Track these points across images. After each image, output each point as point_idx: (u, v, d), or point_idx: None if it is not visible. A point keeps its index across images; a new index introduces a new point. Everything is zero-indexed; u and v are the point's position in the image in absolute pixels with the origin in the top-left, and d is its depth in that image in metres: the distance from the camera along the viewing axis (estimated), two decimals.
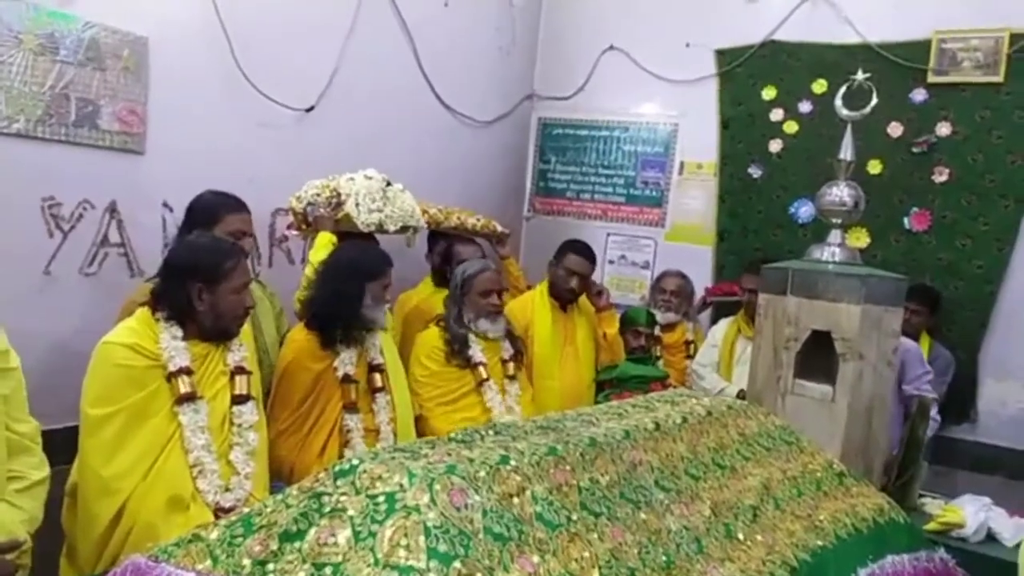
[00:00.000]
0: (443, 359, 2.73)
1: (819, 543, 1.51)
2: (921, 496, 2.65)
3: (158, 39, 2.74)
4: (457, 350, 2.73)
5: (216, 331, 1.98)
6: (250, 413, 1.99)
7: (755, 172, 4.11)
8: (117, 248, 2.62)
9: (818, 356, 2.48)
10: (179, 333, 1.93)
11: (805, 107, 3.99)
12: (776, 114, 4.07)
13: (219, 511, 1.82)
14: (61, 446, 1.91)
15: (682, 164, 4.33)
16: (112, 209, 2.64)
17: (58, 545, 1.91)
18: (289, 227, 3.08)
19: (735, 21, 4.14)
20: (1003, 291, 3.52)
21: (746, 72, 4.13)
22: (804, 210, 3.97)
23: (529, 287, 3.59)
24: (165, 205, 2.75)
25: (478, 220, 3.48)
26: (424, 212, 3.09)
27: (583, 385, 3.21)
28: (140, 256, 2.70)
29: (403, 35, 3.75)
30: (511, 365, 2.89)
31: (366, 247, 2.59)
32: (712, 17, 4.19)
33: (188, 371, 1.90)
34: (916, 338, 3.28)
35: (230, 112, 3.01)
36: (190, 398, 1.88)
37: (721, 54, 4.19)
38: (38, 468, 1.69)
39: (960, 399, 3.52)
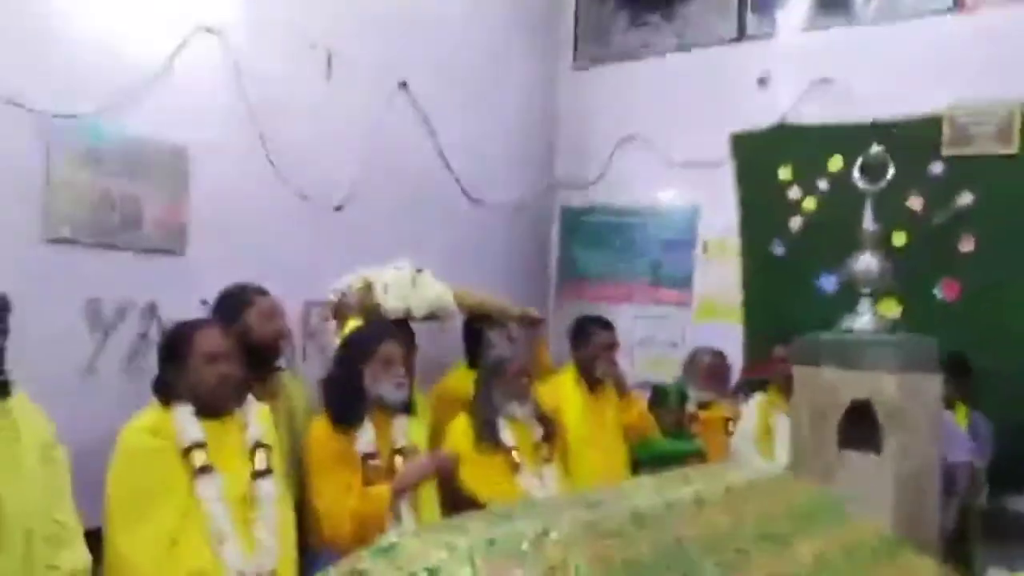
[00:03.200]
0: (473, 444, 2.70)
1: None
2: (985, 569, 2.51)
3: (196, 147, 2.90)
4: (487, 434, 2.70)
5: (206, 407, 2.00)
6: (271, 487, 1.99)
7: (777, 249, 4.14)
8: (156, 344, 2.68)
9: (860, 426, 2.42)
10: (190, 410, 1.98)
11: (822, 184, 4.06)
12: (794, 192, 4.14)
13: None
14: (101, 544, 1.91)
15: (706, 244, 4.38)
16: (151, 309, 2.73)
17: None
18: (324, 318, 3.15)
19: (748, 104, 4.27)
20: None
21: (762, 153, 4.23)
22: (829, 283, 3.96)
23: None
24: (203, 303, 2.83)
25: (513, 306, 3.53)
26: (462, 298, 3.16)
27: (619, 466, 3.15)
28: None
29: (425, 133, 3.93)
30: (545, 447, 2.85)
31: (367, 326, 2.66)
32: (725, 101, 4.34)
33: (202, 445, 1.93)
34: (949, 408, 3.19)
35: (264, 211, 3.15)
36: (206, 470, 1.90)
37: (736, 137, 4.31)
38: (75, 558, 1.68)
39: (1014, 469, 3.38)
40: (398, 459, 2.41)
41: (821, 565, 1.54)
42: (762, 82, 4.26)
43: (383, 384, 2.40)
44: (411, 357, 2.80)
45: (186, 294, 2.82)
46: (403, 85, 3.80)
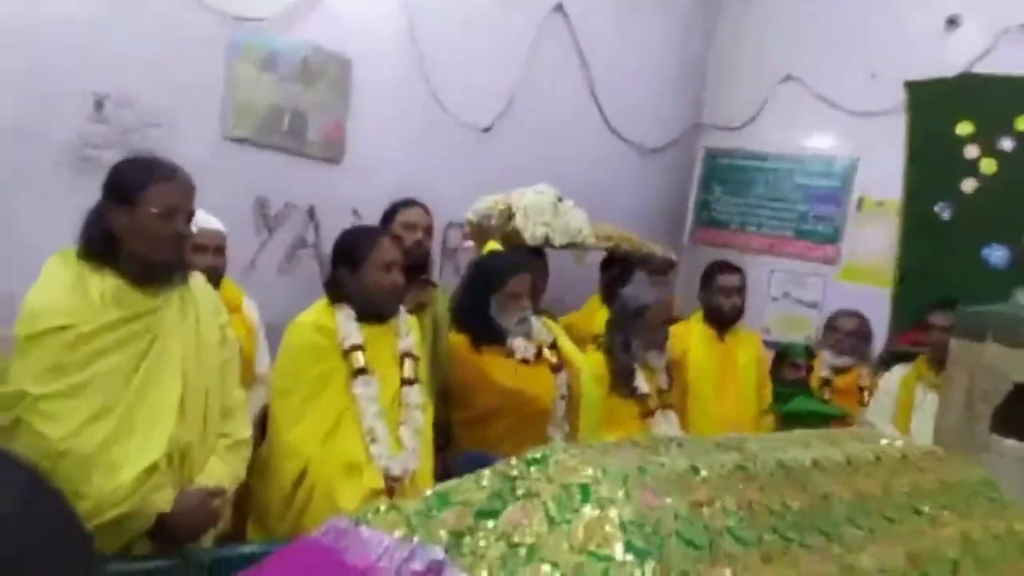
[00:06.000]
0: (606, 388, 2.68)
1: None
2: None
3: (360, 60, 2.98)
4: (624, 381, 2.68)
5: (370, 311, 2.08)
6: (416, 394, 2.09)
7: (944, 212, 3.81)
8: (311, 249, 2.84)
9: (1019, 411, 2.24)
10: (352, 314, 2.07)
11: (1006, 144, 3.67)
12: (971, 151, 3.77)
13: (389, 478, 1.93)
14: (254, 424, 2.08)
15: (860, 200, 4.10)
16: (311, 213, 2.88)
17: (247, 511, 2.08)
18: (465, 238, 3.22)
19: (928, 50, 3.90)
20: None
21: (939, 105, 3.87)
22: (999, 254, 3.63)
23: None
24: (355, 212, 2.96)
25: (655, 248, 3.48)
26: (606, 233, 3.14)
27: (746, 415, 3.08)
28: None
29: (578, 61, 3.85)
30: (667, 394, 2.82)
31: (498, 256, 2.65)
32: (902, 46, 3.97)
33: (361, 348, 2.04)
34: None
35: (417, 128, 3.22)
36: (363, 371, 2.01)
37: (911, 86, 3.95)
38: (242, 429, 1.84)
39: None
40: (551, 352, 2.47)
41: (968, 547, 1.46)
42: (952, 22, 3.86)
43: (508, 318, 2.42)
44: (541, 285, 2.81)
45: (340, 201, 2.95)
46: (559, 8, 3.72)
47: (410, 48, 3.14)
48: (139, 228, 1.56)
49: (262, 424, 2.07)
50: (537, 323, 2.51)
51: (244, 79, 2.65)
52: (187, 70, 2.53)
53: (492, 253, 2.73)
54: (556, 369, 2.43)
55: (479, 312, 2.42)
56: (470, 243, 3.22)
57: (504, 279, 2.42)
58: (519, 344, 2.40)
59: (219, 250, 2.30)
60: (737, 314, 3.20)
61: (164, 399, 1.59)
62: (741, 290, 3.23)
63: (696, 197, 4.68)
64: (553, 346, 2.49)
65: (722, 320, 3.18)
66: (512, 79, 3.53)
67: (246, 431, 1.84)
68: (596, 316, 3.22)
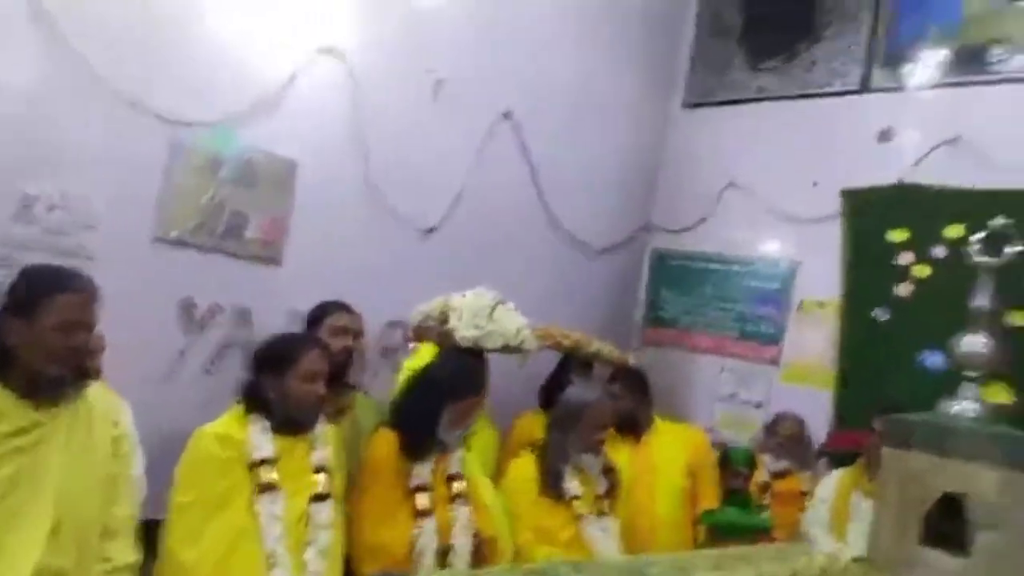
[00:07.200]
0: (535, 492, 2.62)
1: None
2: None
3: (305, 162, 3.02)
4: (552, 482, 2.61)
5: (290, 421, 2.03)
6: (326, 512, 2.00)
7: (881, 315, 3.90)
8: (242, 351, 2.79)
9: (950, 522, 2.22)
10: (267, 425, 2.01)
11: (938, 252, 3.80)
12: (906, 257, 3.89)
13: None
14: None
15: (802, 302, 4.18)
16: (246, 314, 2.85)
17: None
18: (407, 339, 3.21)
19: (864, 161, 4.07)
20: None
21: (874, 213, 4.01)
22: (933, 359, 3.69)
23: None
24: (292, 312, 2.93)
25: (611, 350, 3.48)
26: (556, 337, 3.14)
27: (656, 521, 3.04)
28: None
29: (525, 163, 3.94)
30: (606, 502, 2.74)
31: (468, 365, 2.60)
32: (839, 156, 4.15)
33: (271, 461, 1.96)
34: None
35: (360, 229, 3.24)
36: (270, 488, 1.93)
37: (847, 195, 4.11)
38: (126, 553, 1.74)
39: None
40: (454, 484, 2.38)
41: None
42: (884, 136, 4.06)
43: (454, 432, 2.36)
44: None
45: (279, 303, 2.93)
46: (507, 115, 3.84)
47: (356, 151, 3.20)
48: (35, 341, 1.52)
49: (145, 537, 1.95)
50: (457, 456, 2.43)
51: (183, 181, 2.67)
52: (125, 172, 2.54)
53: (458, 358, 2.67)
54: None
55: (426, 423, 2.34)
56: (413, 344, 3.21)
57: (468, 394, 2.39)
58: (422, 471, 2.31)
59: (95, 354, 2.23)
60: (621, 417, 3.14)
61: (34, 524, 1.51)
62: (627, 396, 3.24)
63: (644, 297, 4.74)
64: (453, 478, 2.38)
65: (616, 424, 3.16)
66: (458, 180, 3.60)
67: (130, 555, 1.73)
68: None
